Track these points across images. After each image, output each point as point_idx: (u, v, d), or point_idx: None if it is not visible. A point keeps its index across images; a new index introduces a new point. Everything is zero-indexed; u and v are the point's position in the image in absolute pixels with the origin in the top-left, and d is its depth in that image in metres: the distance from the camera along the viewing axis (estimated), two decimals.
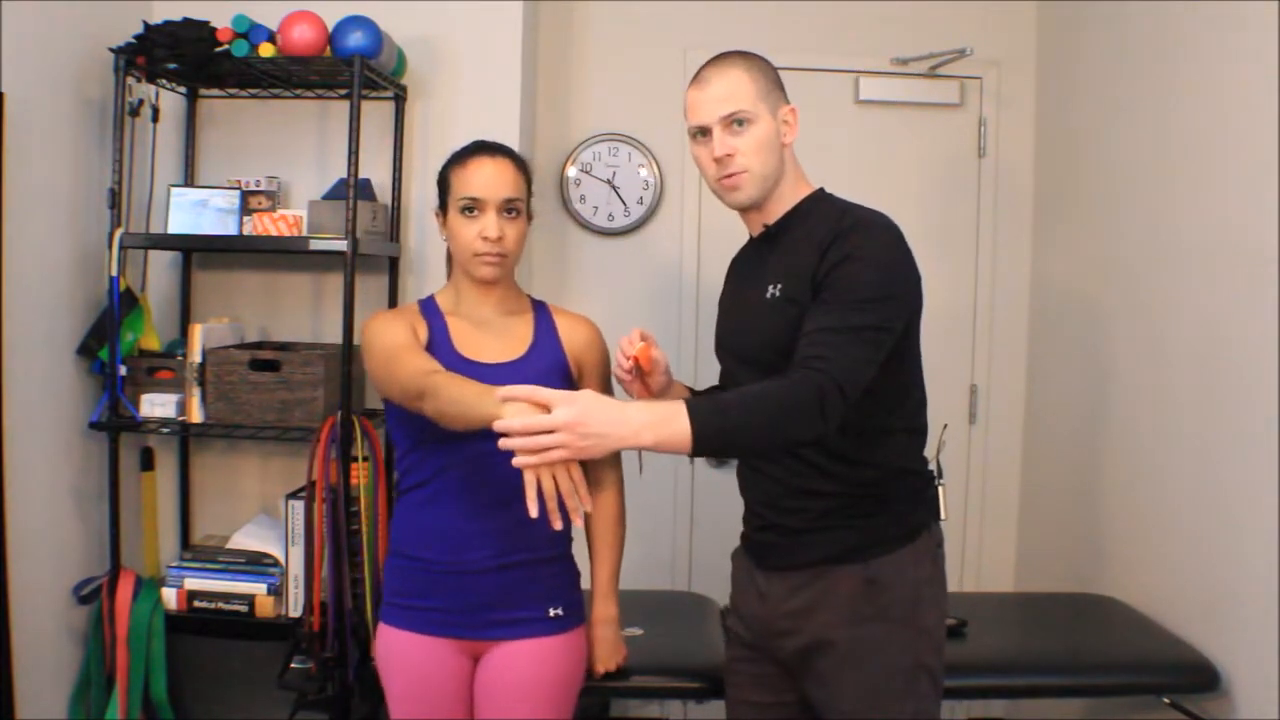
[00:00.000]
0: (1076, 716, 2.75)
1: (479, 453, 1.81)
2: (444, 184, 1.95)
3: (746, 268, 1.88)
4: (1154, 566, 2.50)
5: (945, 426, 1.72)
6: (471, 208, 1.88)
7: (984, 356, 3.30)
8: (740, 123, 1.73)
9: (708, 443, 1.52)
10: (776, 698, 1.87)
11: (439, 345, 1.89)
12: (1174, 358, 2.43)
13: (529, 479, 1.52)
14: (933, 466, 1.92)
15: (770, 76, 1.78)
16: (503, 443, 1.51)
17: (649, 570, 2.14)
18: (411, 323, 1.90)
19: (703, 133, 1.76)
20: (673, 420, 1.51)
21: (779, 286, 1.73)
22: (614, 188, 3.23)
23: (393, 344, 1.83)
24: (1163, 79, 2.52)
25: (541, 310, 2.02)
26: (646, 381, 1.86)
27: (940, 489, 1.85)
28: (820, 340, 1.59)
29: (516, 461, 1.51)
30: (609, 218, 3.23)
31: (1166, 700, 2.23)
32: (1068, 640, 2.38)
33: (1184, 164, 2.41)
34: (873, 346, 1.61)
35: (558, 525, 1.55)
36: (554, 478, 1.52)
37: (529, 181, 1.97)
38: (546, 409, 1.50)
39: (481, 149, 1.94)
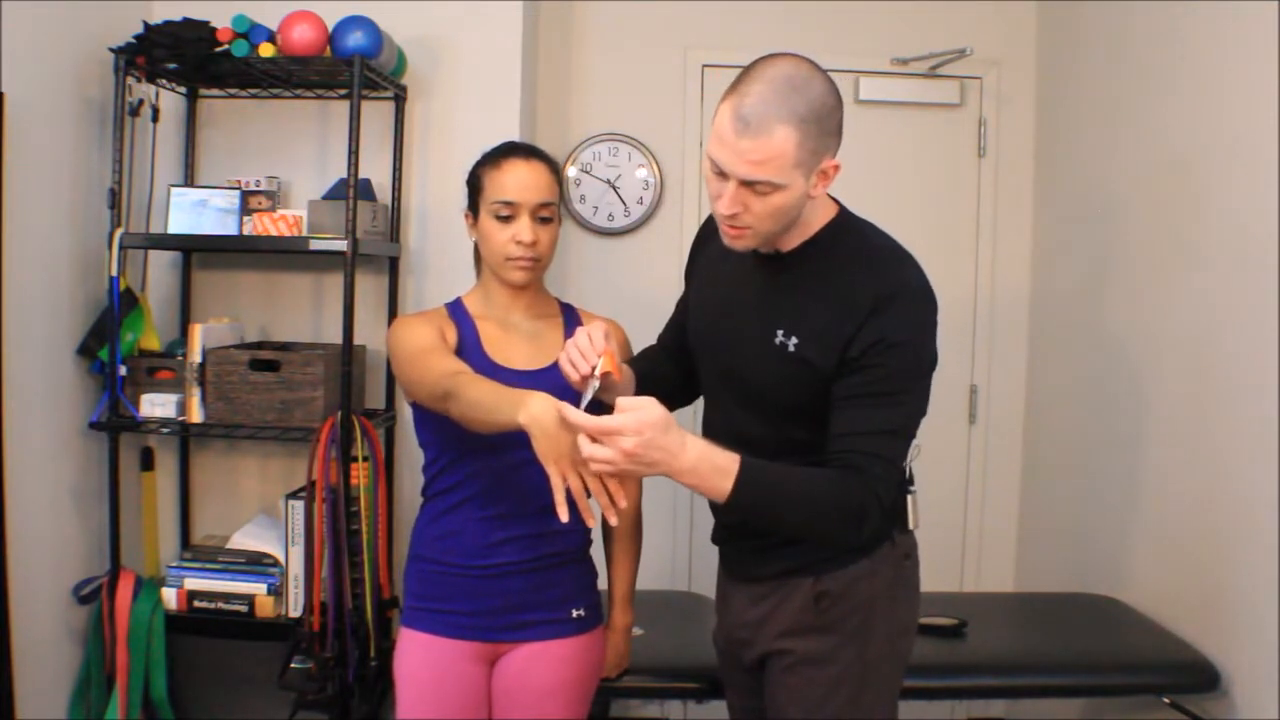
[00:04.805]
0: (1076, 716, 2.75)
1: (507, 463, 1.81)
2: (475, 185, 1.91)
3: (742, 286, 1.72)
4: (1154, 566, 2.50)
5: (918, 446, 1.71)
6: (506, 212, 1.85)
7: (984, 356, 3.30)
8: (763, 191, 1.52)
9: (738, 507, 1.53)
10: (750, 701, 1.87)
11: (469, 349, 1.87)
12: (1173, 358, 2.43)
13: (556, 482, 1.49)
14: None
15: (826, 127, 1.52)
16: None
17: (649, 570, 2.13)
18: (440, 326, 1.88)
19: (720, 171, 1.54)
20: (719, 477, 1.50)
21: (793, 339, 1.61)
22: (614, 188, 3.23)
23: (419, 346, 1.81)
24: (1163, 79, 2.52)
25: (570, 315, 2.00)
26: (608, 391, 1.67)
27: (910, 498, 1.76)
28: (872, 441, 1.55)
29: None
30: (609, 218, 3.23)
31: (1166, 700, 2.23)
32: (1068, 640, 2.38)
33: (1183, 164, 2.41)
34: (910, 439, 1.63)
35: (591, 523, 1.53)
36: (581, 477, 1.49)
37: (560, 184, 1.95)
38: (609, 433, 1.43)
39: (515, 150, 1.91)
